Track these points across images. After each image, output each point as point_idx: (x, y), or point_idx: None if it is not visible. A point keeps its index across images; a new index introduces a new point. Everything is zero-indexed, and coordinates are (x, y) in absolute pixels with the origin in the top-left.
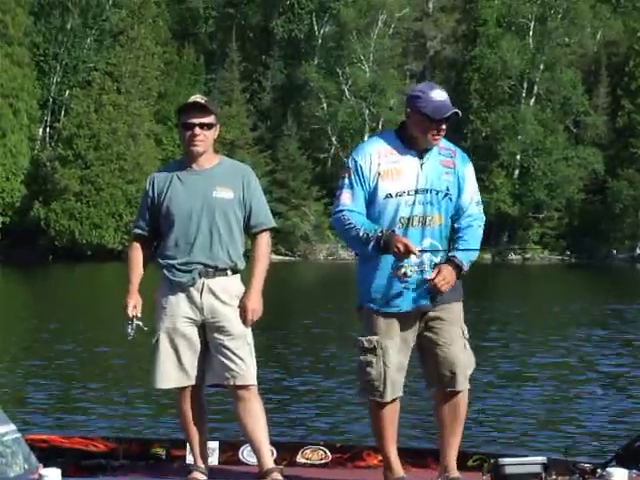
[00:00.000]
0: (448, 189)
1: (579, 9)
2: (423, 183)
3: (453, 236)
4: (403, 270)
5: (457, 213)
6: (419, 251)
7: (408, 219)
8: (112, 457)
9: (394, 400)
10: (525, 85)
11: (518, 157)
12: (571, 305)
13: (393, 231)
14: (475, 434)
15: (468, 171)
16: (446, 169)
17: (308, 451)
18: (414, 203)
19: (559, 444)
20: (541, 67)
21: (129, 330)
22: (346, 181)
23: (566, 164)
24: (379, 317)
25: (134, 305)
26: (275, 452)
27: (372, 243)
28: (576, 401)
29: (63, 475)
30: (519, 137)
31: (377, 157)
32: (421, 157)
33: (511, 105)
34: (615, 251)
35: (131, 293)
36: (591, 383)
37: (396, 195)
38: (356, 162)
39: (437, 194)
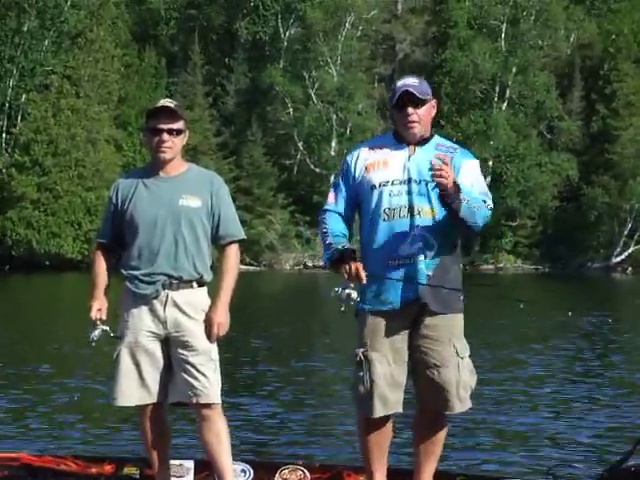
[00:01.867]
0: None
1: (552, 11)
2: (410, 173)
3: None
4: (348, 291)
5: None
6: (366, 276)
7: (393, 210)
8: (84, 477)
9: (385, 418)
10: (497, 89)
11: (490, 163)
12: (548, 317)
13: (353, 251)
14: (459, 452)
15: (465, 164)
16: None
17: (286, 471)
18: (400, 193)
19: (543, 464)
20: (513, 70)
21: (93, 334)
22: (335, 180)
23: (539, 170)
24: (368, 320)
25: (98, 308)
26: (252, 472)
27: (329, 253)
28: (561, 420)
29: None
30: (491, 142)
31: (366, 153)
32: (413, 150)
33: (483, 110)
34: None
35: (95, 296)
36: (575, 400)
37: (379, 185)
38: (345, 160)
39: (426, 184)
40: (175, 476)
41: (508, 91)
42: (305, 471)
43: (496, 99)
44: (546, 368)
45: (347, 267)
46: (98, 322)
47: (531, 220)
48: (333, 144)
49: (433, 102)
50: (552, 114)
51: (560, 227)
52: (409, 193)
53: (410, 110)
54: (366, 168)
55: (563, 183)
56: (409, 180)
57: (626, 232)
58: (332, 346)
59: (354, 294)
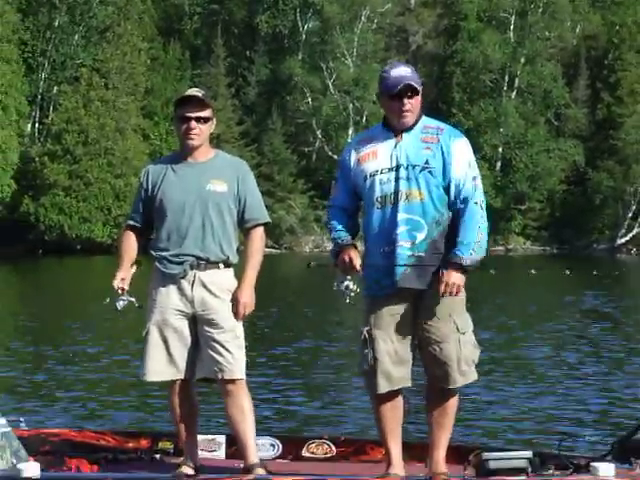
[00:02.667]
0: (427, 162)
1: (559, 3)
2: (397, 160)
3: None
4: (346, 283)
5: (453, 190)
6: (361, 266)
7: (384, 198)
8: (121, 451)
9: (394, 393)
10: (506, 78)
11: (500, 150)
12: (555, 297)
13: (353, 245)
14: (477, 426)
15: (455, 145)
16: (426, 144)
17: (313, 445)
18: (388, 181)
19: (553, 437)
20: (522, 61)
21: (117, 304)
22: (336, 175)
23: (547, 156)
24: (371, 304)
25: (122, 278)
26: (280, 446)
27: (332, 247)
28: (570, 394)
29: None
30: (501, 130)
31: (358, 146)
32: (400, 137)
33: (493, 98)
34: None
35: (120, 267)
36: (587, 373)
37: (371, 175)
38: (342, 155)
39: (414, 168)
40: (207, 450)
41: (517, 80)
42: (331, 445)
43: (505, 88)
44: (553, 344)
45: (342, 259)
46: (120, 291)
47: (539, 203)
48: (350, 132)
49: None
50: (559, 102)
51: (567, 210)
52: (397, 180)
53: (406, 100)
54: (358, 160)
55: (570, 168)
56: (397, 167)
57: (630, 214)
58: (352, 325)
59: (352, 285)
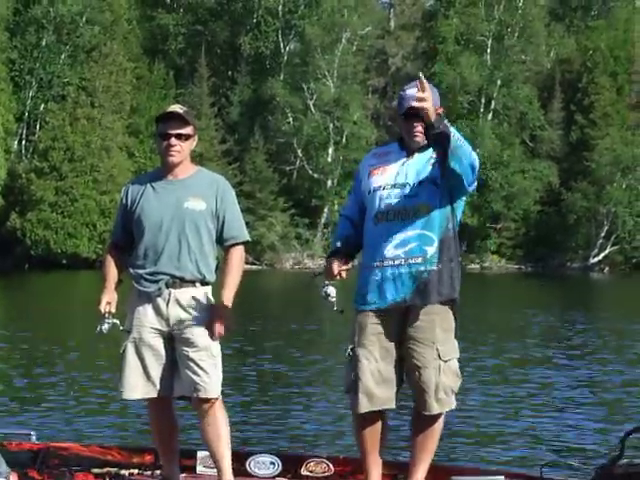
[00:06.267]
0: (431, 174)
1: (534, 28)
2: (402, 177)
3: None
4: (325, 289)
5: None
6: (344, 270)
7: (383, 214)
8: (125, 467)
9: (375, 414)
10: (483, 100)
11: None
12: (535, 315)
13: (341, 252)
14: (452, 450)
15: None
16: (432, 159)
17: (312, 464)
18: (389, 197)
19: (535, 463)
20: (498, 83)
21: (103, 327)
22: (351, 186)
23: (522, 177)
24: (357, 319)
25: (107, 301)
26: (280, 464)
27: (328, 253)
28: (553, 420)
29: None
30: (477, 150)
31: (371, 159)
32: (412, 156)
33: (470, 120)
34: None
35: (105, 290)
36: (572, 396)
37: (374, 190)
38: (358, 167)
39: (420, 184)
40: (210, 467)
41: (493, 102)
42: (329, 464)
43: (482, 110)
44: (533, 368)
45: (326, 264)
46: (107, 314)
47: (514, 223)
48: (330, 151)
49: (439, 110)
50: (534, 124)
51: (541, 229)
52: (399, 197)
53: (415, 123)
54: (369, 174)
55: (544, 188)
56: (400, 185)
57: (603, 234)
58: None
59: (329, 290)
